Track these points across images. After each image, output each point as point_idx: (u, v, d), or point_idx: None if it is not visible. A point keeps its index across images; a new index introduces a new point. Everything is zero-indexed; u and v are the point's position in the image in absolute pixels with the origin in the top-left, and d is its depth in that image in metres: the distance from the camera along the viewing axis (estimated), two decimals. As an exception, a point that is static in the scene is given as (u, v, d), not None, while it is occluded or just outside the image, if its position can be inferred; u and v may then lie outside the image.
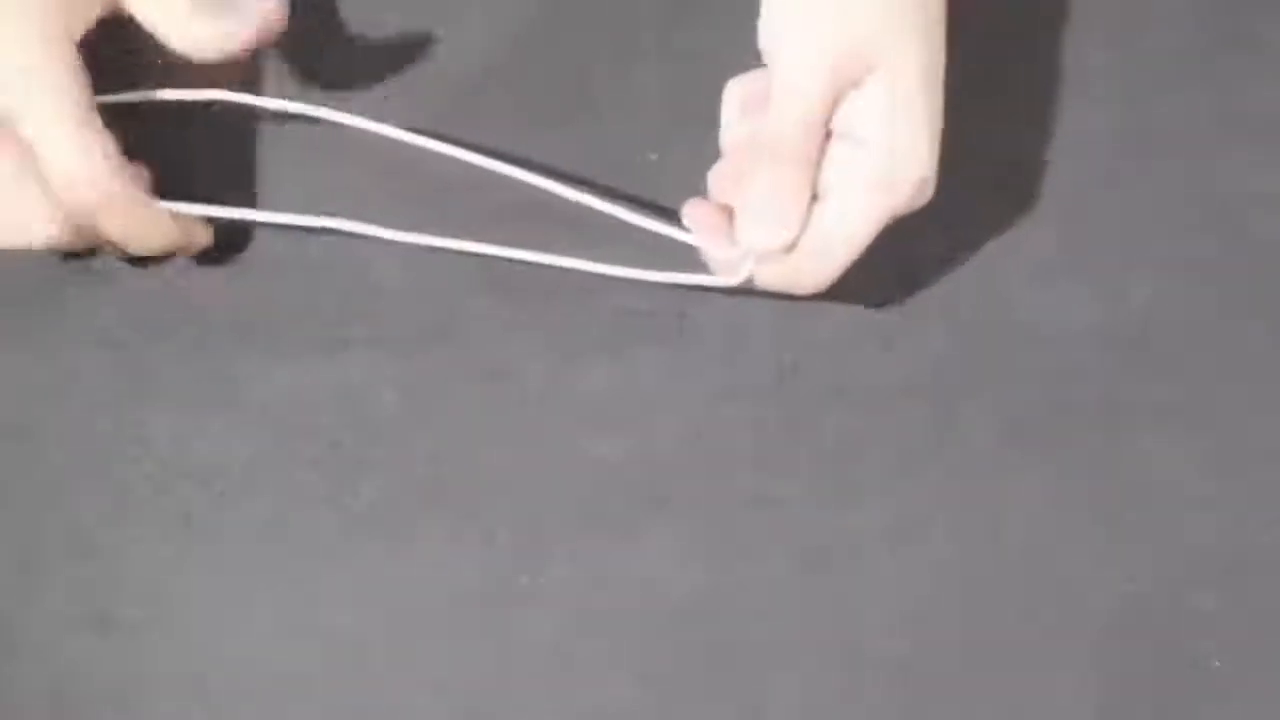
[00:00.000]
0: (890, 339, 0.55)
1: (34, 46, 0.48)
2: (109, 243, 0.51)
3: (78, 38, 0.49)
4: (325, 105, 0.54)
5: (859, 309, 0.56)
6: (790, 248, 0.50)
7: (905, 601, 0.52)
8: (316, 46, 0.58)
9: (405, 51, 0.58)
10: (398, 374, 0.54)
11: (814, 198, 0.50)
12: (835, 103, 0.49)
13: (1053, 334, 0.55)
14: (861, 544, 0.52)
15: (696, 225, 0.52)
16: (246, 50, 0.51)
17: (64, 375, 0.54)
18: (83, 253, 0.54)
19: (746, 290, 0.52)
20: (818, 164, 0.50)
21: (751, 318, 0.55)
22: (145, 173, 0.53)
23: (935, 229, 0.57)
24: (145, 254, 0.52)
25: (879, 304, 0.56)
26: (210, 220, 0.54)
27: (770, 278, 0.51)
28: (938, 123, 0.50)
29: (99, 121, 0.49)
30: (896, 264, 0.56)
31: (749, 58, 0.52)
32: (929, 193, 0.50)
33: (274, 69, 0.57)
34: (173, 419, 0.54)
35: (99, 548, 0.52)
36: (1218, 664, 0.51)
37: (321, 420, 0.54)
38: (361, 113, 0.54)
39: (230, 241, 0.55)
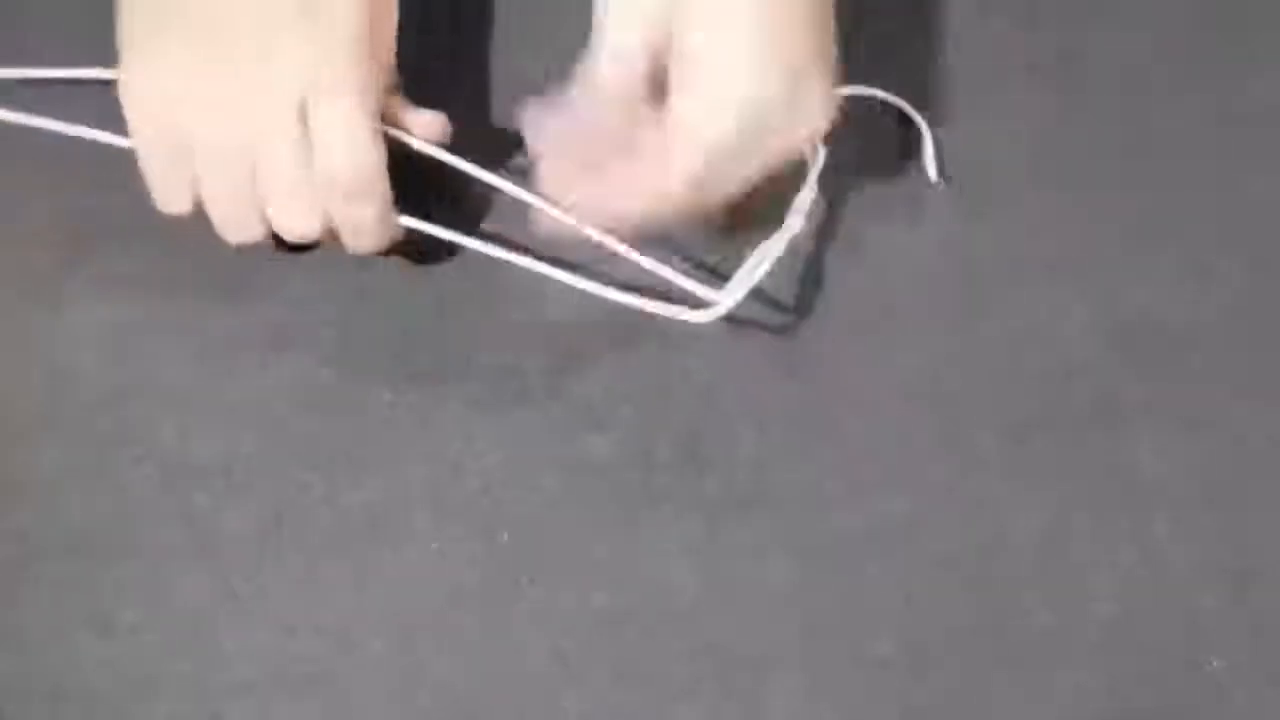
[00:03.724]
0: (890, 339, 0.55)
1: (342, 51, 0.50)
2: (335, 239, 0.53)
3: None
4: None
5: (859, 309, 0.56)
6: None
7: (905, 601, 0.52)
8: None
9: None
10: (397, 374, 0.54)
11: None
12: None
13: (1052, 334, 0.55)
14: (861, 544, 0.52)
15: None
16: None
17: (64, 375, 0.54)
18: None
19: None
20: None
21: (751, 317, 0.55)
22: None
23: (934, 228, 0.57)
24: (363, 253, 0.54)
25: (879, 304, 0.56)
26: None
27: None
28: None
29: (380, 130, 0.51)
30: (895, 264, 0.56)
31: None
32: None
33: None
34: (173, 419, 0.54)
35: (99, 548, 0.52)
36: (1218, 664, 0.51)
37: (321, 419, 0.54)
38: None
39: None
